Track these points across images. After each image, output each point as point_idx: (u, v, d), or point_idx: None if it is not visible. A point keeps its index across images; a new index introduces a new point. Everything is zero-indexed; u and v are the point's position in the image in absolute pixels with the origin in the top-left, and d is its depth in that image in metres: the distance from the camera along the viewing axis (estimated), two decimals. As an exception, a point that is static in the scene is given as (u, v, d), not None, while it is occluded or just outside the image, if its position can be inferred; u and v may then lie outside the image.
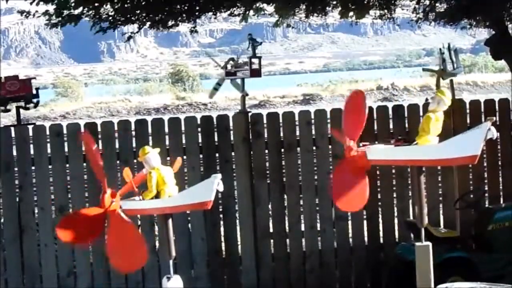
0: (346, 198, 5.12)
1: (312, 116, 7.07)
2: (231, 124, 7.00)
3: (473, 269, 6.47)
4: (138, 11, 7.87)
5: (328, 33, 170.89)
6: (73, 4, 7.57)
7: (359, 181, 5.04)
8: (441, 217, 7.25)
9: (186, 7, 7.92)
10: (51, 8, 7.80)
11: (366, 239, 7.17)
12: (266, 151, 7.03)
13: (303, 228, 7.11)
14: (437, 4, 8.48)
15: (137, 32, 8.39)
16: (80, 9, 7.75)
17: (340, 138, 5.07)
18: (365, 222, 7.18)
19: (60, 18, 7.88)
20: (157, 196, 4.56)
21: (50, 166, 6.81)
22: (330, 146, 7.03)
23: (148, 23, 8.11)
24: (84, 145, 4.75)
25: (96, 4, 7.70)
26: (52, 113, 37.48)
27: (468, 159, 4.70)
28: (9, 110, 6.84)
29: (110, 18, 7.89)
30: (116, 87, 59.06)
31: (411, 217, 7.01)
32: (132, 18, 7.96)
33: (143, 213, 5.50)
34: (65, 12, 7.76)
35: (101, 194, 4.57)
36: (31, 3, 7.61)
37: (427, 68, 7.58)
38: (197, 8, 7.97)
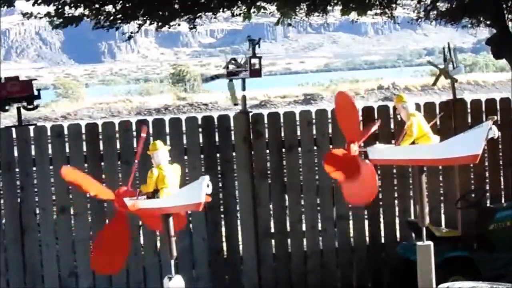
0: (355, 192, 5.11)
1: (313, 116, 7.07)
2: (232, 124, 7.00)
3: (474, 269, 6.47)
4: (138, 11, 7.88)
5: (329, 32, 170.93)
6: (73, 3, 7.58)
7: (367, 173, 5.03)
8: (443, 216, 7.25)
9: (186, 7, 7.93)
10: (52, 9, 7.82)
11: (367, 238, 7.17)
12: (267, 151, 7.03)
13: (304, 228, 7.11)
14: (438, 3, 8.49)
15: (137, 31, 8.40)
16: (81, 9, 7.76)
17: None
18: (366, 221, 7.18)
19: (61, 20, 7.89)
20: (158, 196, 4.57)
21: (51, 167, 6.81)
22: (331, 146, 7.03)
23: (148, 22, 8.12)
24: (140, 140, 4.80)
25: (97, 6, 7.71)
26: (53, 113, 37.51)
27: (470, 159, 4.70)
28: (7, 110, 6.84)
29: (111, 17, 7.90)
30: (117, 88, 59.14)
31: (412, 217, 7.01)
32: (133, 16, 7.96)
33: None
34: (66, 13, 7.77)
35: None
36: (33, 4, 7.62)
37: (432, 63, 7.58)
38: (197, 7, 7.97)
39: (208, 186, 4.30)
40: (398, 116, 5.08)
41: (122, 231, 4.62)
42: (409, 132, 4.98)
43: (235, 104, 6.99)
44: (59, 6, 7.78)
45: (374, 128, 5.23)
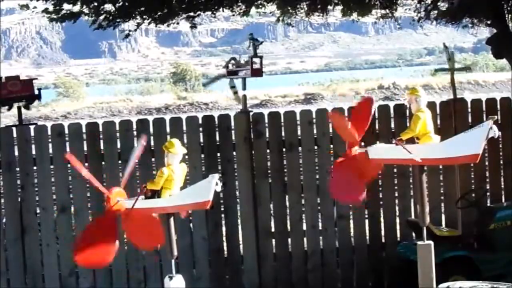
0: (343, 190, 5.14)
1: (314, 116, 7.07)
2: (232, 123, 7.01)
3: (474, 268, 6.47)
4: (138, 10, 7.88)
5: (329, 32, 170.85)
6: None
7: (358, 177, 5.05)
8: (443, 216, 7.25)
9: (185, 6, 7.92)
10: (50, 6, 7.82)
11: (367, 238, 7.17)
12: (268, 150, 7.03)
13: (304, 228, 7.12)
14: (438, 3, 8.48)
15: (135, 30, 8.39)
16: (79, 6, 7.76)
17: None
18: (366, 221, 7.18)
19: (59, 15, 7.89)
20: (158, 195, 4.57)
21: (51, 166, 6.82)
22: (331, 146, 7.03)
23: (147, 21, 8.12)
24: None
25: (95, 4, 7.71)
26: (53, 113, 37.51)
27: (470, 158, 4.71)
28: (10, 108, 6.84)
29: (110, 16, 7.90)
30: (118, 87, 59.08)
31: (413, 216, 7.01)
32: (132, 15, 7.96)
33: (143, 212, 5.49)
34: (64, 9, 7.78)
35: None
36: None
37: (439, 69, 7.55)
38: (197, 6, 7.97)
39: (217, 184, 4.32)
40: (407, 104, 5.09)
41: (109, 229, 4.60)
42: (412, 127, 4.99)
43: (203, 85, 7.01)
44: (57, 2, 7.77)
45: (372, 110, 5.20)
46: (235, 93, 7.02)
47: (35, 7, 7.98)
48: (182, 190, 4.64)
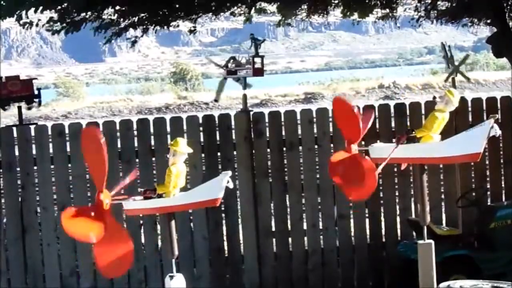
0: (355, 187, 5.13)
1: (314, 115, 7.07)
2: (232, 123, 7.01)
3: (475, 267, 6.47)
4: (139, 13, 7.88)
5: (330, 31, 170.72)
6: (75, 10, 7.58)
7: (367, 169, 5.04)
8: (443, 215, 7.25)
9: (186, 8, 7.92)
10: (54, 15, 7.81)
11: (368, 237, 7.17)
12: (268, 150, 7.03)
13: (305, 227, 7.12)
14: (438, 2, 8.48)
15: (141, 36, 8.41)
16: (82, 14, 7.75)
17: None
18: (367, 220, 7.18)
19: (64, 24, 7.89)
20: (159, 195, 4.58)
21: (52, 166, 6.82)
22: (332, 145, 7.03)
23: (151, 26, 8.12)
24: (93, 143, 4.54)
25: (98, 7, 7.70)
26: (54, 113, 37.50)
27: (471, 157, 4.71)
28: (6, 109, 6.84)
29: (113, 20, 7.90)
30: (118, 87, 59.03)
31: (413, 215, 7.01)
32: (135, 20, 7.96)
33: (149, 212, 5.48)
34: (68, 18, 7.77)
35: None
36: (35, 11, 7.59)
37: (449, 75, 7.48)
38: (197, 8, 7.97)
39: (228, 182, 4.34)
40: (437, 96, 5.07)
41: (115, 229, 4.56)
42: (427, 125, 4.98)
43: (216, 101, 7.04)
44: (62, 11, 7.77)
45: (371, 121, 5.21)
46: (219, 91, 7.01)
47: (39, 20, 7.95)
48: (193, 188, 4.66)
